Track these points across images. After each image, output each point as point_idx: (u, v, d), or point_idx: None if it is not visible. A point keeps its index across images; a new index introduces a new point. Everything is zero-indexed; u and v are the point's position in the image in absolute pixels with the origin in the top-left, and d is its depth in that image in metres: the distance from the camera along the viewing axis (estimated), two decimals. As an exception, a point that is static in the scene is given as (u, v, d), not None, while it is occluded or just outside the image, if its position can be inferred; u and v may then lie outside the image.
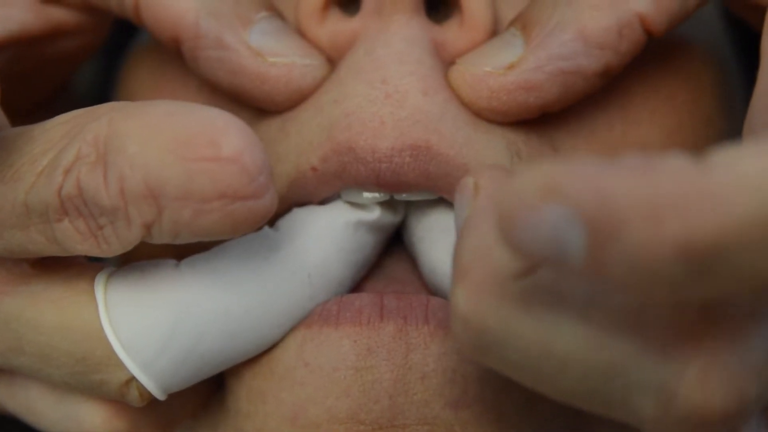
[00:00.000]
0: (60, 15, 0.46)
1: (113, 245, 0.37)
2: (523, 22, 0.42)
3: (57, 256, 0.39)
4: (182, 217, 0.36)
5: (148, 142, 0.35)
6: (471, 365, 0.39)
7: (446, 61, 0.43)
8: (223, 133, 0.35)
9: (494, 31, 0.43)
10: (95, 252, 0.38)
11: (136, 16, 0.43)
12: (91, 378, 0.39)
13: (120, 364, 0.39)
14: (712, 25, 0.50)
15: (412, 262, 0.44)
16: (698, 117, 0.45)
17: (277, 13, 0.43)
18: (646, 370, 0.32)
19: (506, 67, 0.41)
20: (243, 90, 0.42)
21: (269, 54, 0.42)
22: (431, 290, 0.43)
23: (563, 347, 0.32)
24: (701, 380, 0.32)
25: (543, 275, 0.33)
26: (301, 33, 0.44)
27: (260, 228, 0.41)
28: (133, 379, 0.39)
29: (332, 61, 0.43)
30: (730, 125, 0.47)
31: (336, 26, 0.43)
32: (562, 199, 0.28)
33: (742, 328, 0.32)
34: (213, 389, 0.44)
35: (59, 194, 0.36)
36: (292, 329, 0.41)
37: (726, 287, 0.29)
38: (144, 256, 0.41)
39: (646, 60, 0.43)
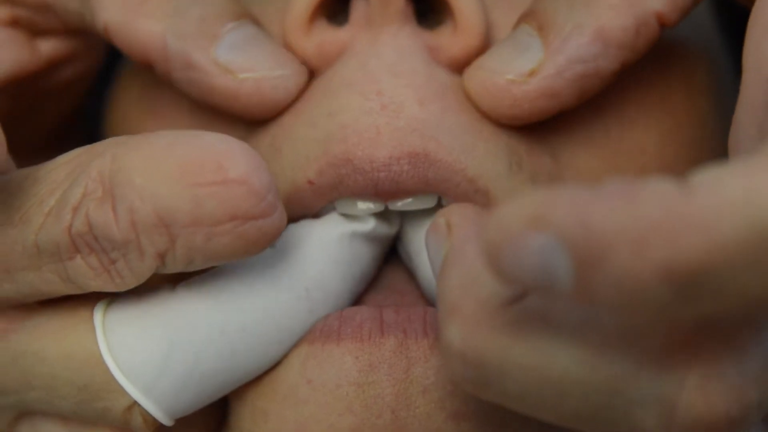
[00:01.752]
0: (51, 47, 0.46)
1: (127, 278, 0.38)
2: (538, 23, 0.41)
3: None
4: (195, 242, 0.36)
5: (153, 172, 0.36)
6: None
7: (443, 65, 0.43)
8: (228, 156, 0.36)
9: (488, 35, 0.43)
10: (109, 287, 0.38)
11: (108, 40, 0.43)
12: (95, 406, 0.39)
13: (121, 389, 0.39)
14: (705, 25, 0.50)
15: (410, 272, 0.44)
16: (693, 118, 0.45)
17: (248, 19, 0.43)
18: (645, 385, 0.32)
19: (527, 74, 0.41)
20: (219, 108, 0.42)
21: (238, 70, 0.42)
22: (430, 301, 0.43)
23: (560, 371, 0.32)
24: (701, 388, 0.32)
25: (534, 300, 0.33)
26: (286, 44, 0.43)
27: None
28: (135, 404, 0.39)
29: (315, 71, 0.43)
30: (724, 126, 0.47)
31: (323, 37, 0.43)
32: (546, 228, 0.29)
33: (738, 338, 0.32)
34: (221, 416, 0.43)
35: (69, 232, 0.37)
36: (295, 346, 0.41)
37: (713, 308, 0.29)
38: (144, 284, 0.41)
39: (640, 62, 0.43)
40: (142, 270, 0.37)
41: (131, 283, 0.38)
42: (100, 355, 0.39)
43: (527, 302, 0.33)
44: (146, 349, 0.39)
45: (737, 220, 0.27)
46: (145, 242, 0.36)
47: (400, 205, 0.42)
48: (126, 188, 0.36)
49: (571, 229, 0.28)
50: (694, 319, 0.30)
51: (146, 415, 0.40)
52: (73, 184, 0.37)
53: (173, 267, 0.37)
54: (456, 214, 0.37)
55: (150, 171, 0.36)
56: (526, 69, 0.41)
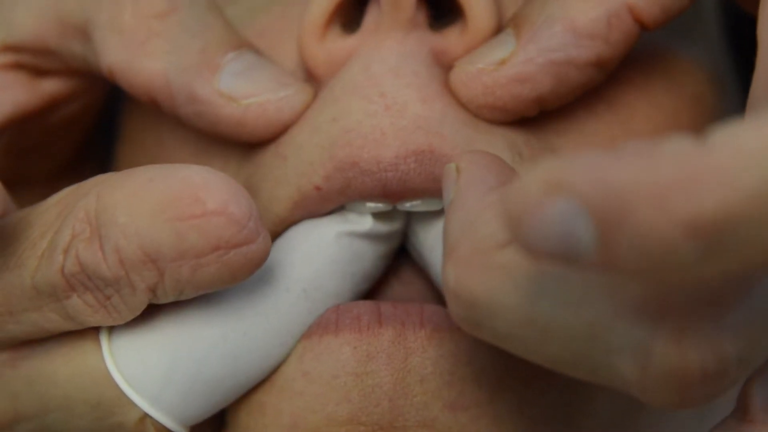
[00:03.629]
0: (53, 86, 0.47)
1: (123, 312, 0.39)
2: (515, 21, 0.42)
3: None
4: (182, 275, 0.37)
5: (135, 210, 0.37)
6: (466, 368, 0.40)
7: (447, 67, 0.43)
8: (205, 188, 0.37)
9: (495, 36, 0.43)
10: (108, 321, 0.39)
11: (113, 81, 0.43)
12: (109, 422, 0.40)
13: (130, 402, 0.39)
14: (716, 45, 0.50)
15: (412, 281, 0.44)
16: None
17: (247, 47, 0.43)
18: (623, 330, 0.32)
19: (498, 63, 0.41)
20: (227, 136, 0.43)
21: (242, 97, 0.42)
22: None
23: (544, 314, 0.32)
24: (675, 337, 0.31)
25: None
26: (300, 51, 0.44)
27: None
28: (145, 415, 0.40)
29: (324, 79, 0.43)
30: None
31: (334, 44, 0.43)
32: (567, 193, 0.28)
33: (717, 295, 0.32)
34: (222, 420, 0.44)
35: (62, 273, 0.38)
36: None
37: (737, 263, 0.28)
38: None
39: (650, 78, 0.44)
40: (136, 304, 0.38)
41: (128, 316, 0.39)
42: (108, 371, 0.40)
43: (516, 246, 0.33)
44: (150, 361, 0.39)
45: (756, 172, 0.27)
46: (135, 278, 0.37)
47: (408, 206, 0.42)
48: (111, 227, 0.37)
49: (591, 190, 0.28)
50: (716, 277, 0.29)
51: (158, 425, 0.40)
52: (63, 225, 0.38)
53: (165, 298, 0.38)
54: (466, 159, 0.38)
55: (132, 208, 0.37)
56: (498, 59, 0.41)
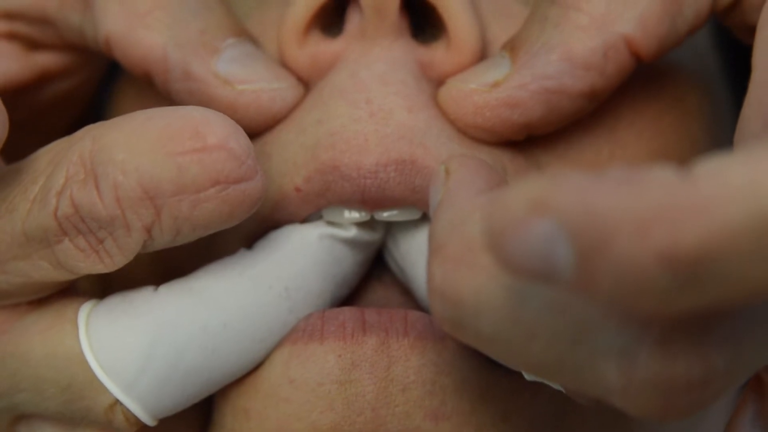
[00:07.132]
0: (46, 60, 0.46)
1: (115, 257, 0.38)
2: (512, 44, 0.42)
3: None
4: (181, 211, 0.37)
5: (134, 147, 0.36)
6: (448, 377, 0.40)
7: (434, 81, 0.43)
8: (205, 123, 0.37)
9: (483, 53, 0.43)
10: (99, 267, 0.38)
11: (108, 52, 0.43)
12: (79, 405, 0.40)
13: (102, 387, 0.39)
14: (700, 49, 0.50)
15: (395, 286, 0.44)
16: (685, 139, 0.46)
17: (246, 37, 0.43)
18: (610, 334, 0.32)
19: (491, 85, 0.41)
20: None
21: (237, 82, 0.42)
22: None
23: (531, 314, 0.32)
24: (662, 344, 0.31)
25: None
26: (281, 54, 0.44)
27: (236, 249, 0.42)
28: (117, 402, 0.39)
29: (309, 82, 0.43)
30: (717, 148, 0.47)
31: (317, 48, 0.43)
32: (550, 213, 0.28)
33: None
34: (206, 417, 0.43)
35: (55, 216, 0.37)
36: (277, 346, 0.41)
37: (714, 297, 0.28)
38: (129, 285, 0.41)
39: (632, 83, 0.43)
40: (130, 246, 0.38)
41: (120, 261, 0.38)
42: (83, 354, 0.39)
43: None
44: (127, 347, 0.39)
45: (740, 207, 0.27)
46: (131, 217, 0.37)
47: (386, 215, 0.42)
48: (108, 166, 0.36)
49: (573, 214, 0.28)
50: (692, 309, 0.29)
51: (128, 414, 0.40)
52: (56, 169, 0.38)
53: (161, 240, 0.38)
54: (456, 161, 0.38)
55: (130, 146, 0.36)
56: (491, 80, 0.42)
